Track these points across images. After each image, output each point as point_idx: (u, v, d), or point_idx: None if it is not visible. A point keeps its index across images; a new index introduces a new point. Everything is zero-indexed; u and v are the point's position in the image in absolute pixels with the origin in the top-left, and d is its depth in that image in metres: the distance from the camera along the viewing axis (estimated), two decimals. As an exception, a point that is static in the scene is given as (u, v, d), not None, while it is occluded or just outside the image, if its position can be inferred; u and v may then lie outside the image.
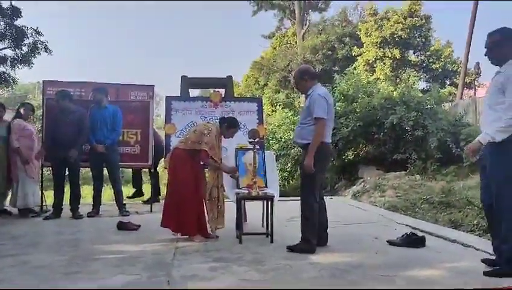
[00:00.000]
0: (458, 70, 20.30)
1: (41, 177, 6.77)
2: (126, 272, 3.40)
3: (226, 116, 5.07)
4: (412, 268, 3.46)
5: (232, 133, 4.89)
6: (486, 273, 3.24)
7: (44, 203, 6.82)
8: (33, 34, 13.34)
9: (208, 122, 4.88)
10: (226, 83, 6.63)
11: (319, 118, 4.08)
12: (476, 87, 19.85)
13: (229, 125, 4.82)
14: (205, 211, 4.77)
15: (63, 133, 6.08)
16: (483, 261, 3.56)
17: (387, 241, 4.40)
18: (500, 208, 3.25)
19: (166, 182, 4.91)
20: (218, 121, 4.94)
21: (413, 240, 4.29)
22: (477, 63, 19.20)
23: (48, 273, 3.37)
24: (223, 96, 6.31)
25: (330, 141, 4.31)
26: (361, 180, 11.26)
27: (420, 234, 4.55)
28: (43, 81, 7.39)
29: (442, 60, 21.67)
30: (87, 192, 8.15)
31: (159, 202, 7.28)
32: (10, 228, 5.47)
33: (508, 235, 3.20)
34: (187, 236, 4.63)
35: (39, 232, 5.16)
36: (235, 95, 8.31)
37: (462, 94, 17.36)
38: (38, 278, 3.23)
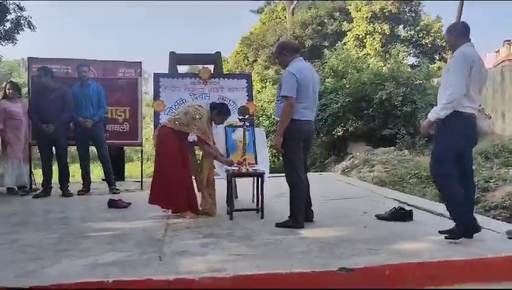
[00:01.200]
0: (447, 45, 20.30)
1: (30, 156, 6.71)
2: (117, 249, 3.42)
3: (217, 102, 4.98)
4: (399, 241, 3.53)
5: (222, 120, 4.85)
6: (441, 232, 3.55)
7: (33, 182, 6.79)
8: (15, 9, 12.95)
9: (199, 106, 4.79)
10: (215, 59, 6.54)
11: (285, 96, 4.04)
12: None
13: (219, 112, 4.75)
14: (195, 188, 4.79)
15: (47, 111, 6.01)
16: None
17: (375, 216, 4.47)
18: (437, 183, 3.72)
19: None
20: (208, 105, 4.88)
21: (401, 214, 4.37)
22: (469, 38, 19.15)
23: (38, 251, 3.37)
24: (212, 72, 6.24)
25: (309, 117, 4.16)
26: (351, 155, 11.35)
27: (408, 208, 4.62)
28: (28, 58, 7.24)
29: (431, 34, 21.62)
30: (76, 170, 8.11)
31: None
32: (-1, 207, 5.45)
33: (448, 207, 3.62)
34: (178, 213, 4.66)
35: (29, 211, 5.15)
36: (224, 72, 8.23)
37: (450, 69, 17.39)
38: (28, 256, 3.23)
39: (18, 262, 3.08)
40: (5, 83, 7.07)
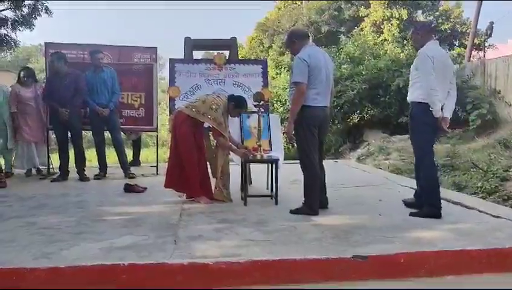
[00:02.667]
0: (468, 31, 19.82)
1: (47, 140, 6.82)
2: (133, 232, 3.46)
3: (235, 95, 4.93)
4: (414, 230, 3.50)
5: (238, 113, 4.83)
6: (411, 214, 3.97)
7: (51, 166, 6.90)
8: (32, -6, 13.07)
9: (217, 96, 4.78)
10: (230, 44, 6.49)
11: (296, 82, 3.99)
12: (486, 49, 19.39)
13: (236, 105, 4.71)
14: (210, 174, 4.81)
15: (61, 97, 6.07)
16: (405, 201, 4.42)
17: (402, 201, 4.46)
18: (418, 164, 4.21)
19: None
20: (226, 96, 4.85)
21: None
22: (491, 23, 18.59)
23: (56, 233, 3.44)
24: (227, 58, 6.21)
25: (322, 103, 4.09)
26: (366, 143, 11.27)
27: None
28: (45, 43, 7.30)
29: (451, 20, 21.10)
30: (93, 155, 8.22)
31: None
32: (17, 190, 5.56)
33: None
34: (193, 198, 4.68)
35: (46, 194, 5.24)
36: (239, 57, 8.19)
37: (470, 56, 17.00)
38: (47, 238, 3.30)
39: (37, 244, 3.15)
40: (20, 69, 7.21)
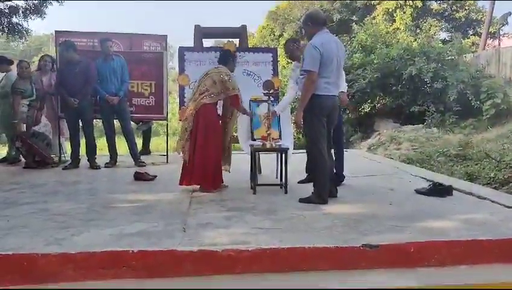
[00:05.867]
0: (482, 19, 19.46)
1: (59, 129, 6.86)
2: (143, 220, 3.48)
3: (220, 54, 4.95)
4: (425, 219, 3.46)
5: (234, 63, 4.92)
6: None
7: (63, 154, 6.96)
8: (43, -18, 13.07)
9: (216, 69, 4.69)
10: (241, 32, 6.43)
11: (307, 70, 3.95)
12: (501, 37, 19.01)
13: (233, 59, 4.81)
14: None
15: (73, 85, 6.10)
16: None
17: (414, 190, 4.44)
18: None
19: (182, 136, 4.69)
20: (218, 62, 4.82)
21: (440, 190, 4.32)
22: (509, 13, 18.16)
23: (68, 220, 3.47)
24: (237, 46, 6.16)
25: (332, 92, 4.08)
26: (377, 133, 11.19)
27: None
28: (55, 31, 7.31)
29: (466, 8, 20.71)
30: (104, 144, 8.27)
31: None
32: (29, 177, 5.62)
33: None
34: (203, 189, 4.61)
35: (58, 182, 5.29)
36: (249, 46, 8.12)
37: (485, 45, 16.71)
38: (58, 224, 3.33)
39: (48, 230, 3.18)
40: (41, 56, 7.27)
